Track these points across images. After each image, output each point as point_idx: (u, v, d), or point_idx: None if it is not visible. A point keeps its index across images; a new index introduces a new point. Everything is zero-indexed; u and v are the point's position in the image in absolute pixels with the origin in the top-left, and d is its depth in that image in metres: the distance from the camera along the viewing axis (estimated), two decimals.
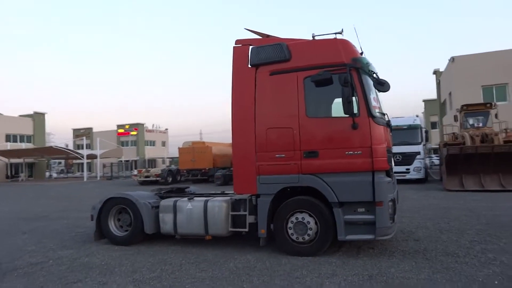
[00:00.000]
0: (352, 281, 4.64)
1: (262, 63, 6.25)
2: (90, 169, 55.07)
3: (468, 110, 19.10)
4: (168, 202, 6.91)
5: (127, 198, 7.03)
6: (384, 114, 6.08)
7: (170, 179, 27.72)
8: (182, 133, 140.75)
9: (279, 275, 4.98)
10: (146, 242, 7.12)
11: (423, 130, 20.30)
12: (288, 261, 5.61)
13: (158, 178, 27.16)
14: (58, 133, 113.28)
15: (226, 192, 7.91)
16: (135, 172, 47.77)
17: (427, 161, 27.31)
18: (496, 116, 18.41)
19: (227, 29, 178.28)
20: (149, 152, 69.62)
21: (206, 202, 6.57)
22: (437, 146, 33.50)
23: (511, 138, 17.12)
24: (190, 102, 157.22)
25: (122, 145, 63.98)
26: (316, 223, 5.81)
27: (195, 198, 6.80)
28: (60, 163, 77.32)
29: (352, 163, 5.64)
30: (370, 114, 5.61)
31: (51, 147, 44.31)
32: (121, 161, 49.76)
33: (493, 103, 18.97)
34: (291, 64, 6.09)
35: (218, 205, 6.46)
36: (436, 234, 7.10)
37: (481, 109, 18.96)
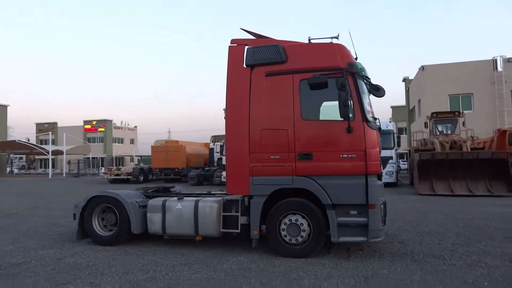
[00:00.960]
0: (349, 283, 4.71)
1: (258, 63, 6.24)
2: (53, 165, 52.94)
3: (438, 117, 19.91)
4: (156, 201, 6.76)
5: (113, 197, 6.82)
6: (376, 119, 6.22)
7: (142, 177, 27.16)
8: (151, 131, 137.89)
9: (275, 277, 4.98)
10: (131, 243, 6.93)
11: (395, 135, 20.96)
12: (281, 262, 5.62)
13: (129, 177, 26.52)
14: (18, 127, 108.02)
15: (212, 192, 7.82)
16: (103, 169, 46.68)
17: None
18: (463, 124, 19.32)
19: (200, 28, 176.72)
20: (117, 150, 67.97)
21: (197, 202, 6.47)
22: (405, 151, 34.73)
23: (479, 145, 17.99)
24: (159, 100, 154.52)
25: (89, 142, 62.04)
26: (309, 225, 5.86)
27: (185, 198, 6.69)
28: (21, 158, 73.94)
29: (346, 166, 5.73)
30: (365, 119, 5.73)
31: (14, 141, 42.31)
32: (88, 158, 48.15)
33: (461, 112, 19.87)
34: (287, 66, 6.11)
35: (210, 205, 6.38)
36: (418, 237, 7.34)
37: (450, 117, 19.82)
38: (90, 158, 47.79)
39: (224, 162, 20.90)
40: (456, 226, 8.47)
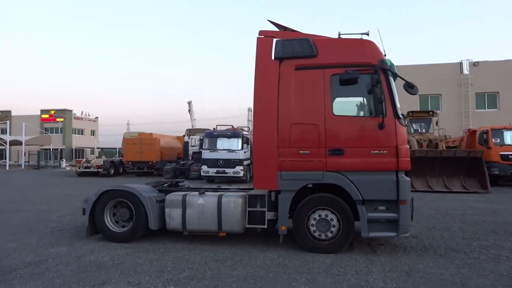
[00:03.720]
0: (393, 277, 4.77)
1: (287, 56, 6.13)
2: (4, 156, 49.72)
3: (413, 116, 20.65)
4: (176, 196, 6.50)
5: (129, 191, 6.49)
6: (404, 116, 6.30)
7: (113, 171, 26.10)
8: (110, 123, 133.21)
9: (317, 273, 4.95)
10: (144, 239, 6.63)
11: None
12: (313, 258, 5.59)
13: (99, 170, 25.38)
14: None
15: (222, 187, 7.65)
16: (64, 162, 44.46)
17: None
18: (436, 123, 20.19)
19: (172, 21, 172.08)
20: (77, 141, 64.95)
21: (220, 197, 6.29)
22: None
23: (454, 143, 18.88)
24: (119, 91, 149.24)
25: (47, 132, 58.90)
26: (338, 220, 5.87)
27: (207, 193, 6.48)
28: None
29: (378, 162, 5.78)
30: (397, 115, 5.81)
31: None
32: (48, 149, 45.67)
33: (435, 111, 20.74)
34: (318, 60, 6.05)
35: (234, 201, 6.22)
36: (427, 232, 7.57)
37: (424, 116, 20.62)
38: (51, 150, 45.34)
39: (204, 156, 20.60)
40: (455, 221, 8.81)
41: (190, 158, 26.66)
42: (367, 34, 6.14)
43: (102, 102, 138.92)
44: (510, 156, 17.31)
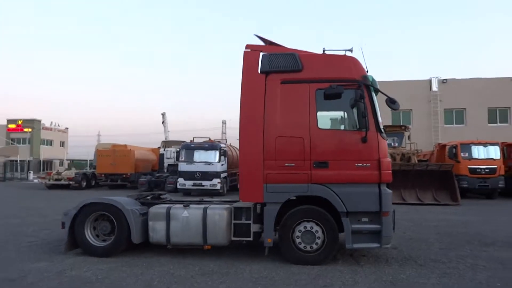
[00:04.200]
0: None
1: (273, 70, 6.26)
2: None
3: (386, 130, 21.12)
4: (159, 209, 6.42)
5: (111, 204, 6.35)
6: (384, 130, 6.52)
7: (85, 183, 25.36)
8: (80, 134, 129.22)
9: (304, 285, 5.01)
10: (126, 253, 6.47)
11: None
12: (298, 270, 5.64)
13: (71, 182, 24.59)
14: None
15: (204, 199, 7.61)
16: (32, 173, 42.81)
17: None
18: (408, 137, 20.86)
19: (142, 28, 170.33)
20: (46, 152, 62.70)
21: (205, 209, 6.26)
22: None
23: (425, 157, 19.53)
24: (90, 102, 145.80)
25: (13, 143, 56.71)
26: (323, 232, 5.96)
27: (191, 205, 6.43)
28: None
29: (361, 174, 5.93)
30: (378, 129, 6.01)
31: None
32: (15, 160, 43.93)
33: (407, 126, 21.44)
34: (303, 74, 6.20)
35: (219, 213, 6.21)
36: (405, 243, 7.77)
37: (397, 131, 21.25)
38: (18, 161, 43.62)
39: (180, 168, 20.38)
40: (430, 232, 9.09)
41: (165, 170, 26.30)
42: (351, 50, 6.36)
43: (72, 112, 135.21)
44: (478, 170, 18.07)
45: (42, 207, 14.08)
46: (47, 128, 66.43)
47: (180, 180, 20.09)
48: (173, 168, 25.48)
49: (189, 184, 19.89)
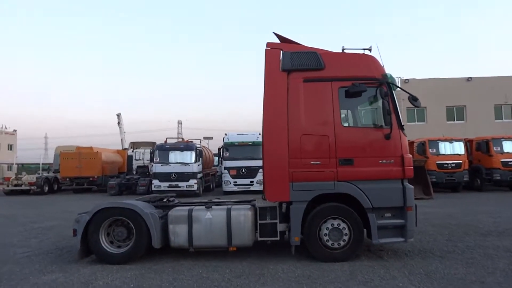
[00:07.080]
0: (419, 280, 4.99)
1: (295, 69, 6.21)
2: None
3: None
4: (180, 211, 6.16)
5: (129, 208, 6.01)
6: None
7: (47, 188, 23.88)
8: (28, 136, 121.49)
9: (345, 281, 5.01)
10: (143, 260, 6.15)
11: None
12: (330, 267, 5.64)
13: (32, 187, 23.05)
14: None
15: (213, 200, 7.42)
16: None
17: None
18: None
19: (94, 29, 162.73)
20: None
21: (229, 210, 6.09)
22: None
23: None
24: (36, 104, 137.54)
25: None
26: (349, 228, 6.00)
27: (214, 207, 6.23)
28: None
29: (385, 171, 6.04)
30: (400, 126, 6.15)
31: None
32: None
33: None
34: (325, 73, 6.21)
35: (244, 214, 6.07)
36: None
37: None
38: None
39: (155, 170, 19.77)
40: (425, 225, 9.45)
41: (134, 172, 25.43)
42: (370, 49, 6.45)
43: (19, 114, 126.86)
44: (445, 165, 19.08)
45: (13, 214, 13.06)
46: None
47: (155, 182, 19.50)
48: (143, 170, 24.73)
49: (164, 185, 19.34)
